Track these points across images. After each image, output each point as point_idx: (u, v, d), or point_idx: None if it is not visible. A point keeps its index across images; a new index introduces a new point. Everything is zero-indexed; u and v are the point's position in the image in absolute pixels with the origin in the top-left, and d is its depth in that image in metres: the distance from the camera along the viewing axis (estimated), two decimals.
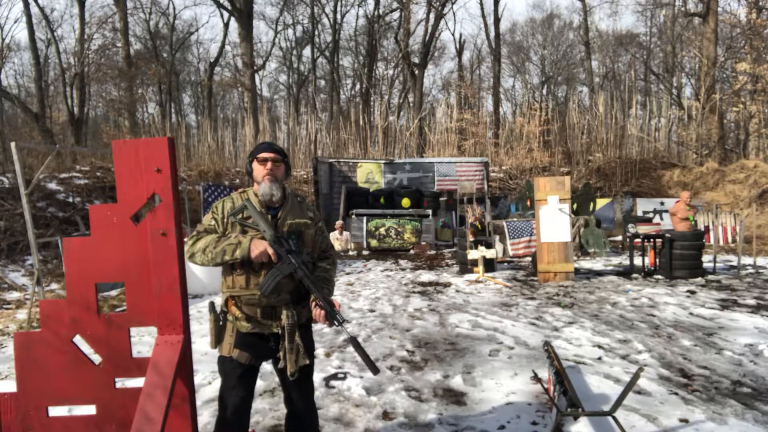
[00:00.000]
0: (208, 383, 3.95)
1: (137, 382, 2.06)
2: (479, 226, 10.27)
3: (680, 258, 8.54)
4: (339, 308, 2.27)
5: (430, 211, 14.71)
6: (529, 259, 11.10)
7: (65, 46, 26.64)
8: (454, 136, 21.36)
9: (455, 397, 3.71)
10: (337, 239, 13.21)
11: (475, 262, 9.01)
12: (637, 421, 3.19)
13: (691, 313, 6.13)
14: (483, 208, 13.12)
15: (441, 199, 15.75)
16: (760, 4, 21.02)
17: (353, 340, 2.22)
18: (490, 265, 9.30)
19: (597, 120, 20.39)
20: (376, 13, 30.38)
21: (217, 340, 2.32)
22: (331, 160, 17.06)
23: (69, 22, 34.98)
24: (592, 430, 3.05)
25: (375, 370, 2.17)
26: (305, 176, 18.82)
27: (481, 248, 8.84)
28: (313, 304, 2.26)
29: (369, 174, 16.74)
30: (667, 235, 8.70)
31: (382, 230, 13.78)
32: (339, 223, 13.74)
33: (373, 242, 13.81)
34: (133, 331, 2.34)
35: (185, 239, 2.24)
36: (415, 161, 17.39)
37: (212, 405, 3.48)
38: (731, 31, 24.01)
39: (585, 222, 11.58)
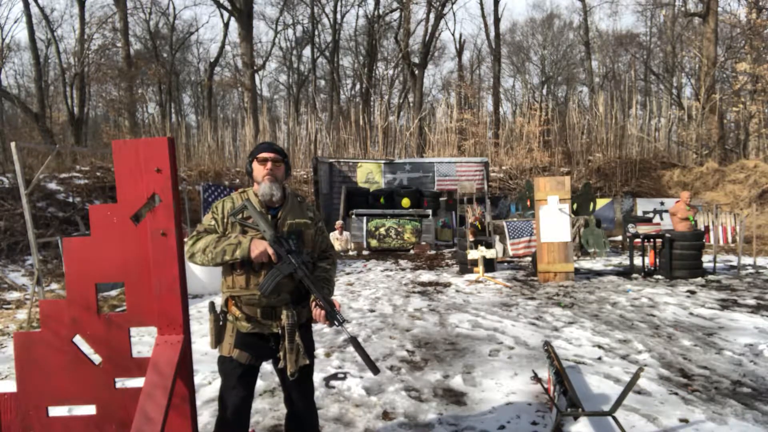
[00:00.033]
0: (208, 383, 3.95)
1: (137, 382, 2.06)
2: (479, 226, 10.27)
3: (680, 258, 8.55)
4: (339, 308, 2.27)
5: (430, 211, 14.70)
6: (529, 259, 11.10)
7: (65, 46, 26.69)
8: (454, 136, 21.35)
9: (455, 397, 3.71)
10: (337, 239, 13.21)
11: (475, 262, 9.01)
12: (637, 421, 3.19)
13: (691, 313, 6.13)
14: (483, 208, 13.12)
15: (441, 199, 15.74)
16: (760, 4, 21.02)
17: (353, 340, 2.22)
18: (490, 265, 9.31)
19: (597, 120, 20.39)
20: (376, 13, 30.38)
21: (217, 340, 2.32)
22: (331, 160, 17.06)
23: (69, 22, 35.04)
24: (592, 430, 3.05)
25: (375, 370, 2.17)
26: (305, 176, 18.82)
27: (481, 248, 8.84)
28: (313, 304, 2.26)
29: (369, 174, 16.74)
30: (667, 235, 8.70)
31: (382, 230, 13.78)
32: (339, 223, 13.74)
33: (373, 242, 13.81)
34: (133, 331, 2.34)
35: (185, 239, 2.24)
36: (415, 161, 17.38)
37: (212, 405, 3.48)
38: (731, 31, 24.01)
39: (585, 222, 11.58)
